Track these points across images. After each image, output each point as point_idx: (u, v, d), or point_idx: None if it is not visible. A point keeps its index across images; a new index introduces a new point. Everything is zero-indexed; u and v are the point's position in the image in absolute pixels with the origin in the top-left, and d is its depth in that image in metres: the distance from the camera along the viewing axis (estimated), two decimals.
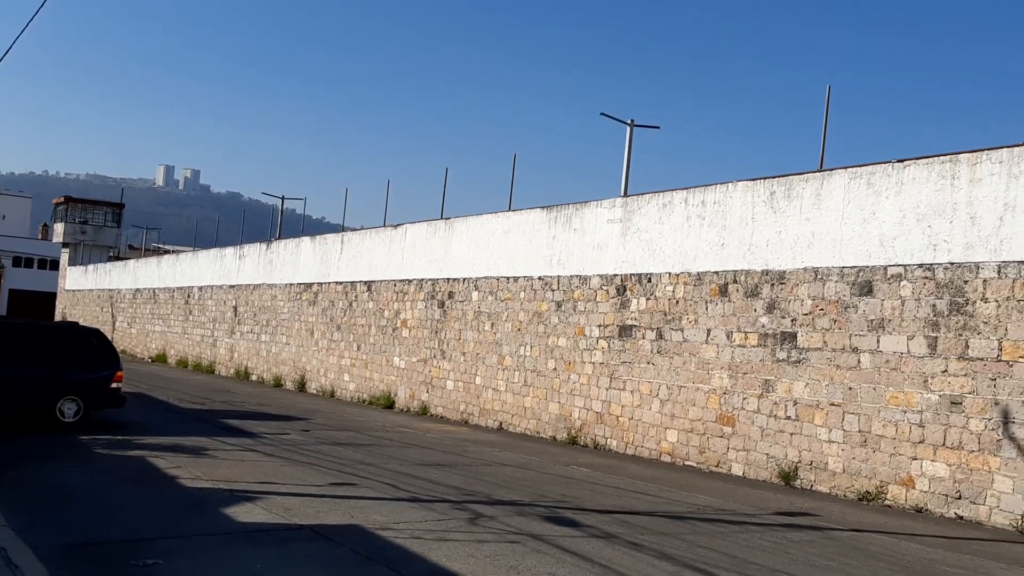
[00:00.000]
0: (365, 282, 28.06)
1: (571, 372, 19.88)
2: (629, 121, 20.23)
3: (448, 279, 24.31)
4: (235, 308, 36.32)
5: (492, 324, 22.49)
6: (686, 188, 17.83)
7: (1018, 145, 12.69)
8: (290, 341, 31.93)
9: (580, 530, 9.92)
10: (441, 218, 25.15)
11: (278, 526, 9.23)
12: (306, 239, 32.27)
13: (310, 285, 31.15)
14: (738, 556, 9.09)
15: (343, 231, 30.73)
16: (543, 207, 21.51)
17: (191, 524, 9.21)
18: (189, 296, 41.16)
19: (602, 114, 20.77)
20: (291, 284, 32.42)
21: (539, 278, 21.16)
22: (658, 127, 21.51)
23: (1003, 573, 9.34)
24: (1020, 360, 12.25)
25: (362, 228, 29.79)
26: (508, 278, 22.14)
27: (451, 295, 24.09)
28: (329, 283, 30.02)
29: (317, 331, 30.30)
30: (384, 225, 27.96)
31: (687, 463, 16.88)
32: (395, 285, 26.54)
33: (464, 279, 23.69)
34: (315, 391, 29.81)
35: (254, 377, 33.79)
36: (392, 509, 10.46)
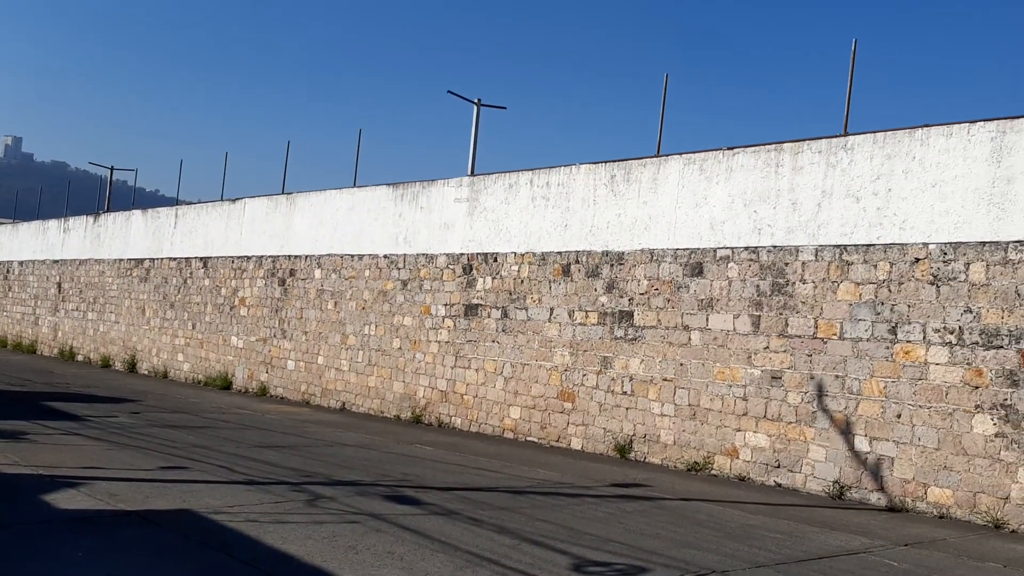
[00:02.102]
0: (201, 258, 26.98)
1: (416, 351, 19.84)
2: (476, 100, 20.28)
3: (290, 256, 23.71)
4: (59, 284, 34.14)
5: (336, 303, 22.13)
6: (532, 169, 18.08)
7: (836, 136, 13.56)
8: (120, 319, 30.34)
9: (421, 508, 9.95)
10: (283, 193, 24.47)
11: (103, 513, 8.79)
12: (137, 212, 30.67)
13: (141, 261, 29.66)
14: (574, 528, 9.37)
15: (178, 204, 29.39)
16: (389, 184, 21.30)
17: (7, 513, 8.62)
18: (8, 271, 38.37)
19: (449, 92, 20.74)
20: (121, 260, 30.77)
21: (385, 256, 20.96)
22: (505, 108, 21.67)
23: (815, 535, 10.04)
24: (833, 337, 13.15)
25: (199, 202, 28.60)
26: (353, 256, 21.82)
27: (293, 273, 23.52)
28: (162, 259, 28.67)
29: (149, 309, 28.92)
30: (222, 199, 26.93)
31: (529, 439, 17.22)
32: (233, 262, 25.64)
33: (307, 256, 23.17)
34: (147, 372, 28.48)
35: (80, 357, 31.92)
36: (227, 492, 10.15)
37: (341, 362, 21.79)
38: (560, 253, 17.20)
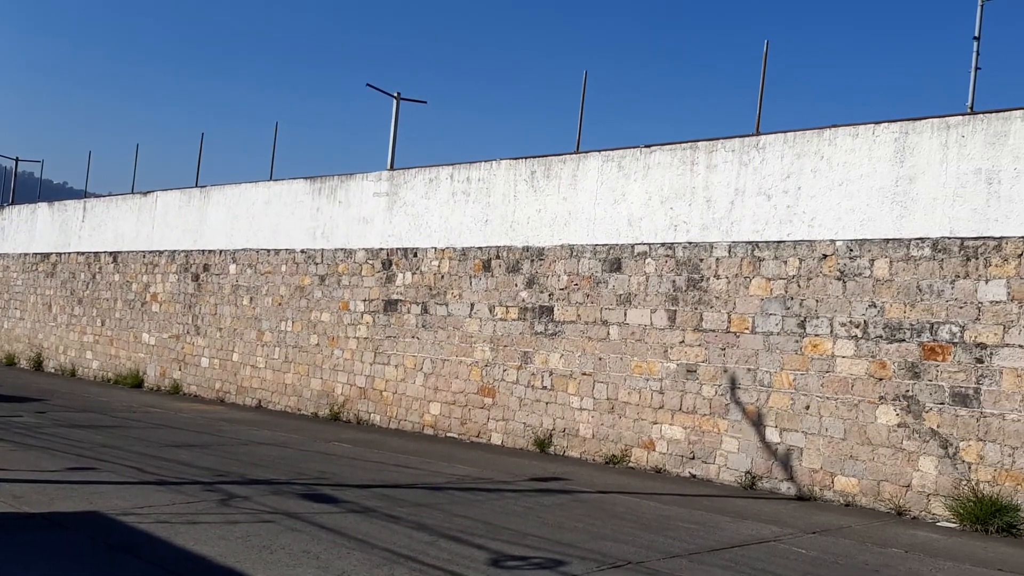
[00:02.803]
0: (111, 253, 26.15)
1: (335, 347, 19.61)
2: (396, 94, 20.13)
3: (204, 251, 23.16)
4: None
5: (251, 298, 21.71)
6: (452, 164, 18.03)
7: (748, 136, 13.88)
8: (25, 316, 29.20)
9: (338, 506, 9.84)
10: (196, 186, 23.88)
11: (6, 515, 8.45)
12: (44, 205, 29.54)
13: (48, 255, 28.59)
14: (493, 523, 9.39)
15: (86, 197, 28.42)
16: (307, 178, 20.99)
17: None
18: None
19: (368, 85, 20.52)
20: (26, 254, 29.60)
21: (302, 251, 20.65)
22: (425, 102, 21.55)
23: (728, 525, 10.27)
24: (746, 331, 13.47)
25: (109, 195, 27.69)
26: (269, 250, 21.44)
27: (207, 268, 22.98)
28: (70, 253, 27.69)
29: (56, 305, 27.90)
30: (133, 192, 26.14)
31: (449, 435, 17.19)
32: (144, 256, 24.93)
33: (221, 251, 22.66)
34: (54, 370, 27.48)
35: None
36: (137, 493, 9.87)
37: (257, 359, 21.39)
38: (481, 248, 17.20)
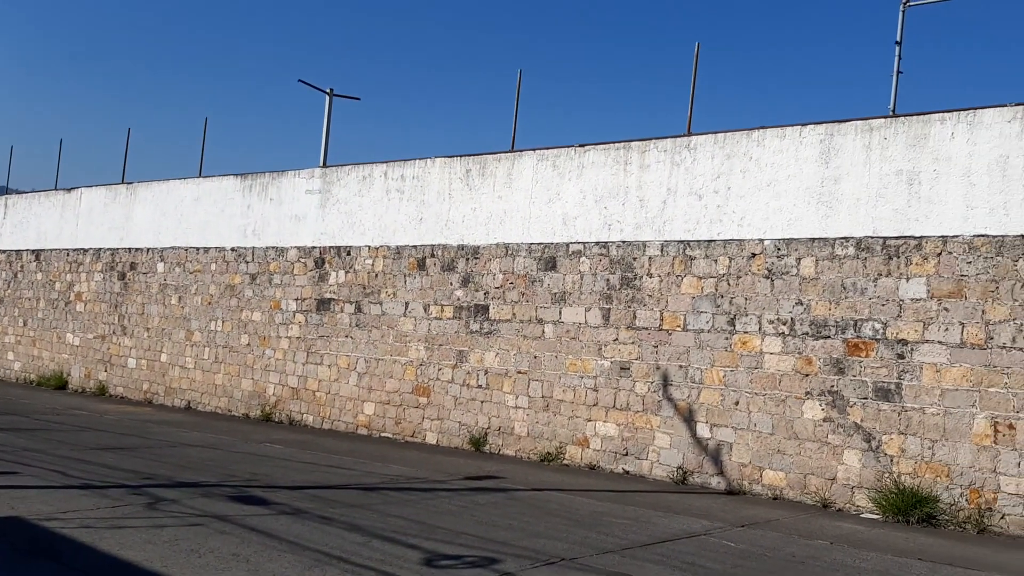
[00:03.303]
0: (33, 251, 25.34)
1: (266, 347, 19.31)
2: (328, 90, 19.90)
3: (131, 249, 22.60)
4: None
5: (180, 297, 21.25)
6: (387, 162, 17.90)
7: (680, 136, 14.07)
8: None
9: (269, 508, 9.70)
10: (123, 183, 23.28)
11: None
12: None
13: None
14: (427, 522, 9.36)
15: (7, 194, 27.46)
16: (237, 174, 20.62)
17: None
18: None
19: (300, 81, 20.25)
20: None
21: (232, 249, 20.29)
22: (359, 99, 21.38)
23: (660, 520, 10.41)
24: (677, 329, 13.67)
25: (32, 191, 26.82)
26: (198, 249, 21.01)
27: (134, 266, 22.43)
28: None
29: None
30: (56, 188, 25.36)
31: (384, 435, 17.08)
32: (68, 255, 24.22)
33: (149, 249, 22.14)
34: None
35: None
36: (60, 498, 9.58)
37: (186, 359, 20.96)
38: (415, 247, 17.12)
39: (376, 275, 17.66)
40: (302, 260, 18.92)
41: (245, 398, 19.63)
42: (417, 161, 17.38)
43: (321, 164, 19.38)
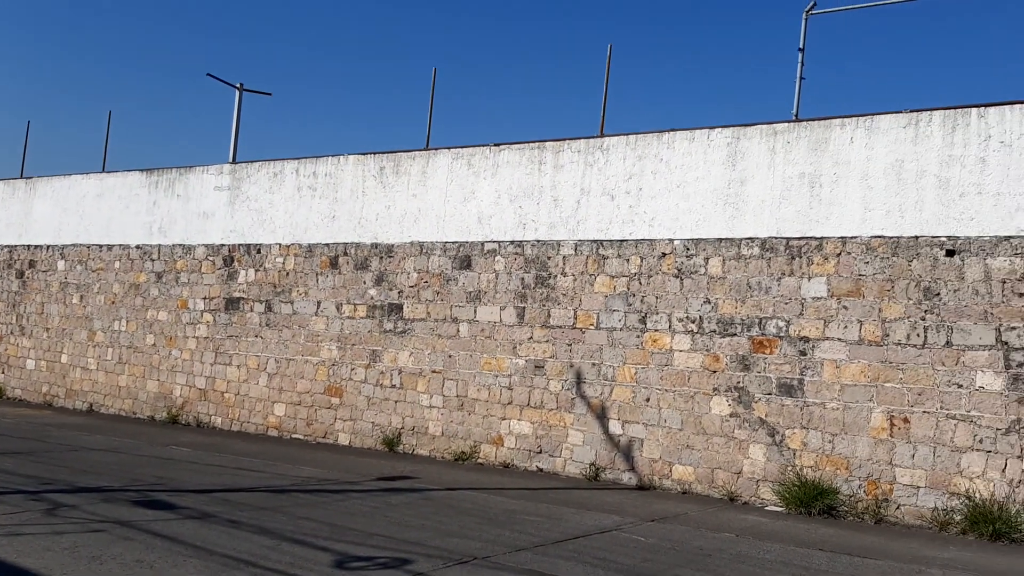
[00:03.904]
0: None
1: (172, 348, 18.81)
2: (238, 85, 19.49)
3: (29, 246, 21.71)
4: None
5: (82, 296, 20.53)
6: (298, 158, 17.64)
7: (593, 137, 14.25)
8: None
9: (175, 512, 9.45)
10: (21, 177, 22.34)
11: None
12: None
13: None
14: (338, 524, 9.26)
15: None
16: (143, 170, 20.02)
17: None
18: None
19: (209, 75, 19.79)
20: None
21: (137, 247, 19.69)
22: (270, 94, 20.99)
23: (572, 516, 10.52)
24: (591, 327, 13.84)
25: None
26: (101, 246, 20.33)
27: (32, 264, 21.55)
28: None
29: None
30: None
31: (295, 436, 16.82)
32: None
33: (48, 247, 21.31)
34: None
35: None
36: None
37: (88, 360, 20.26)
38: (328, 245, 16.91)
39: (287, 274, 17.37)
40: (210, 258, 18.48)
41: (151, 400, 19.08)
42: (330, 158, 17.17)
43: (231, 160, 18.97)
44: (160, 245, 19.34)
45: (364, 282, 16.37)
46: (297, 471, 12.93)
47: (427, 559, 7.94)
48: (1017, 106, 11.02)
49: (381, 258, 16.21)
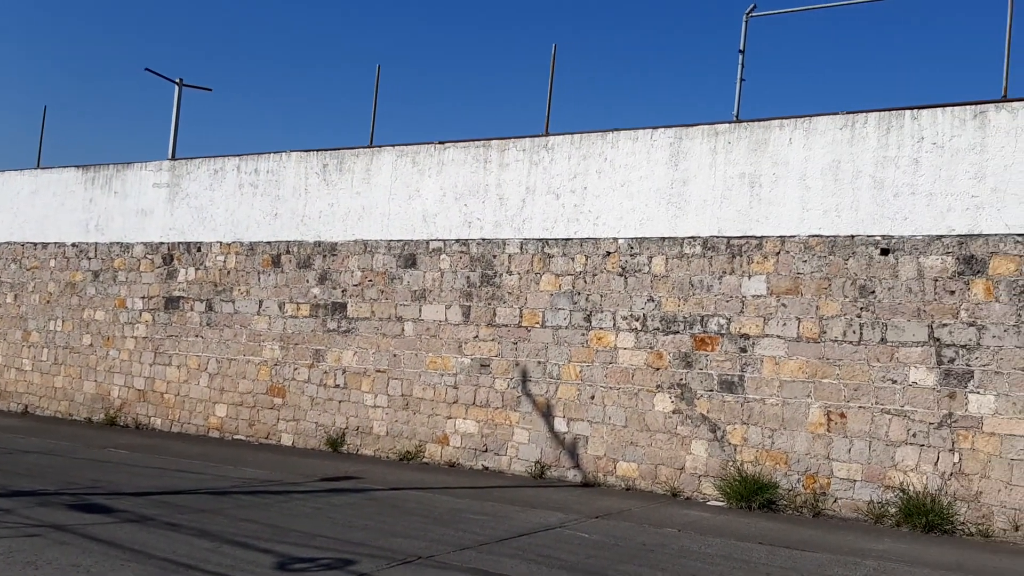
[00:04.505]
0: None
1: (110, 348, 18.41)
2: (178, 80, 19.13)
3: None
4: None
5: (16, 296, 19.97)
6: (239, 155, 17.38)
7: (538, 136, 14.30)
8: None
9: (112, 516, 9.25)
10: None
11: None
12: None
13: None
14: (280, 525, 9.16)
15: None
16: (79, 166, 19.55)
17: None
18: None
19: (147, 70, 19.39)
20: None
21: (73, 245, 19.22)
22: (210, 89, 20.61)
23: (517, 514, 10.56)
24: (536, 326, 13.89)
25: None
26: (36, 244, 19.80)
27: None
28: None
29: None
30: None
31: (237, 437, 16.59)
32: None
33: None
34: None
35: None
36: None
37: (23, 361, 19.71)
38: (270, 243, 16.70)
39: (228, 272, 17.11)
40: (149, 256, 18.13)
41: (88, 401, 18.65)
42: (272, 155, 16.95)
43: (170, 156, 18.62)
44: (97, 243, 18.91)
45: (307, 281, 16.20)
46: (239, 472, 12.75)
47: (371, 559, 7.90)
48: (949, 109, 11.34)
49: (324, 256, 16.06)
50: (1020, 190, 10.81)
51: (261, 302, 16.68)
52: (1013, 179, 10.86)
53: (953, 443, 10.87)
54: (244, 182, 17.17)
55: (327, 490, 11.62)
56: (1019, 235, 10.76)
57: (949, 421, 10.91)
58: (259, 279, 16.75)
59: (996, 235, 10.89)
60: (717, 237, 12.62)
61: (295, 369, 16.14)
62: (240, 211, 17.15)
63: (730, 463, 12.15)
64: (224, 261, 17.17)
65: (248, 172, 17.14)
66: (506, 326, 14.17)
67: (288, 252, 16.48)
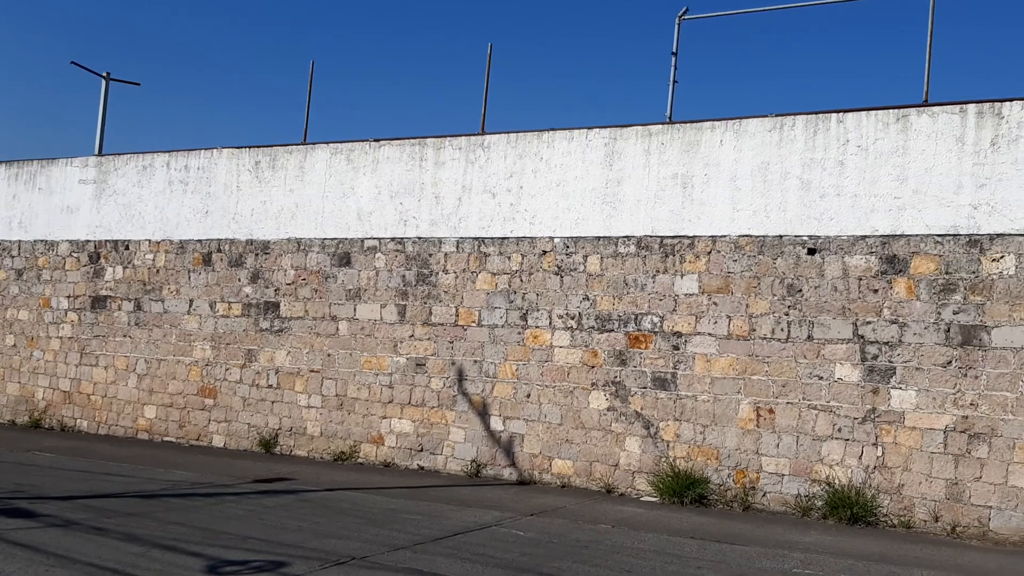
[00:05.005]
0: None
1: (34, 348, 17.87)
2: (105, 74, 18.66)
3: None
4: None
5: None
6: (169, 151, 17.03)
7: (474, 135, 14.31)
8: None
9: (36, 520, 8.99)
10: None
11: None
12: None
13: None
14: (211, 528, 9.01)
15: None
16: (2, 162, 18.93)
17: None
18: None
19: (73, 63, 18.88)
20: None
21: None
22: (139, 84, 20.18)
23: (452, 513, 10.56)
24: (472, 325, 13.90)
25: None
26: None
27: None
28: None
29: None
30: None
31: (167, 439, 16.26)
32: None
33: None
34: None
35: None
36: None
37: None
38: (201, 241, 16.40)
39: (158, 271, 16.76)
40: (75, 254, 17.65)
41: (11, 404, 18.07)
42: (203, 151, 16.64)
43: (97, 152, 18.15)
44: (20, 241, 18.34)
45: (239, 280, 15.95)
46: (168, 475, 12.50)
47: (304, 561, 7.83)
48: (873, 112, 11.67)
49: (257, 255, 15.83)
50: (940, 192, 11.19)
51: (192, 301, 16.37)
52: (934, 181, 11.24)
53: (876, 437, 11.20)
54: (174, 179, 16.83)
55: (259, 492, 11.47)
56: (939, 235, 11.13)
57: (873, 416, 11.24)
58: (189, 278, 16.44)
59: (917, 235, 11.25)
60: (651, 236, 12.79)
61: (227, 369, 15.88)
62: (170, 208, 16.80)
63: (663, 459, 12.33)
64: (153, 259, 16.80)
65: (178, 169, 16.79)
66: (442, 325, 14.14)
67: (219, 250, 16.20)
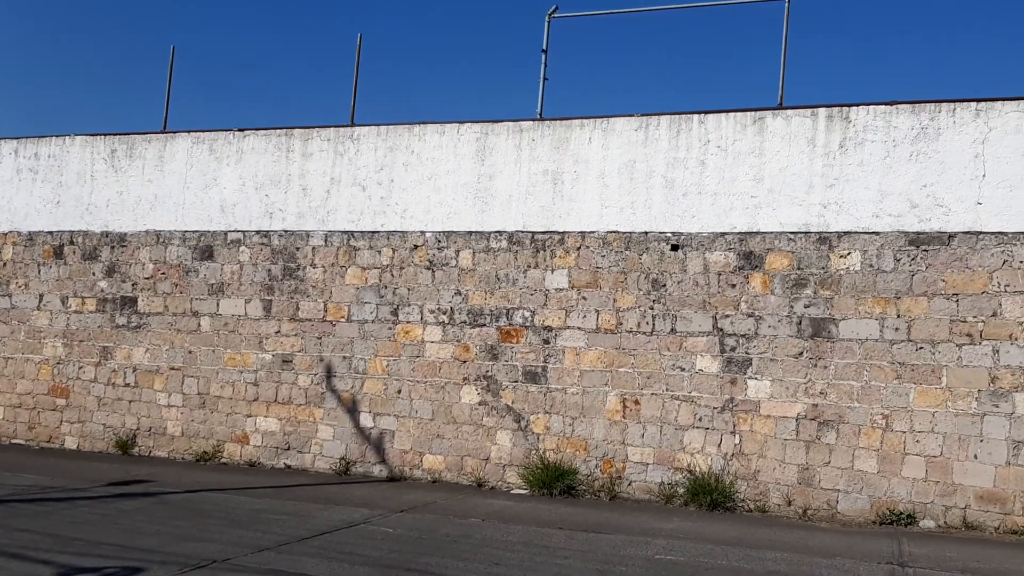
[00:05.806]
0: None
1: None
2: None
3: None
4: None
5: None
6: (17, 138, 16.05)
7: (343, 126, 14.07)
8: None
9: None
10: None
11: None
12: None
13: None
14: (62, 534, 8.54)
15: None
16: None
17: None
18: None
19: None
20: None
21: None
22: None
23: (320, 512, 10.37)
24: (342, 320, 13.68)
25: None
26: None
27: None
28: None
29: None
30: None
31: (15, 441, 15.33)
32: None
33: None
34: None
35: None
36: None
37: None
38: (51, 233, 15.52)
39: (5, 264, 15.76)
40: None
41: None
42: (54, 138, 15.75)
43: None
44: None
45: (93, 273, 15.18)
46: (16, 479, 11.78)
47: (162, 566, 7.52)
48: (732, 114, 12.14)
49: (113, 247, 15.10)
50: (793, 192, 11.75)
51: (42, 296, 15.47)
52: (787, 181, 11.78)
53: (734, 426, 11.67)
54: (23, 167, 15.85)
55: (115, 495, 10.95)
56: (792, 233, 11.68)
57: (731, 405, 11.70)
58: (39, 271, 15.53)
59: (772, 233, 11.78)
60: (522, 232, 12.90)
61: (80, 368, 15.10)
62: (18, 198, 15.82)
63: (533, 452, 12.48)
64: (0, 252, 15.79)
65: (27, 156, 15.83)
66: (310, 320, 13.87)
67: (72, 243, 15.37)
